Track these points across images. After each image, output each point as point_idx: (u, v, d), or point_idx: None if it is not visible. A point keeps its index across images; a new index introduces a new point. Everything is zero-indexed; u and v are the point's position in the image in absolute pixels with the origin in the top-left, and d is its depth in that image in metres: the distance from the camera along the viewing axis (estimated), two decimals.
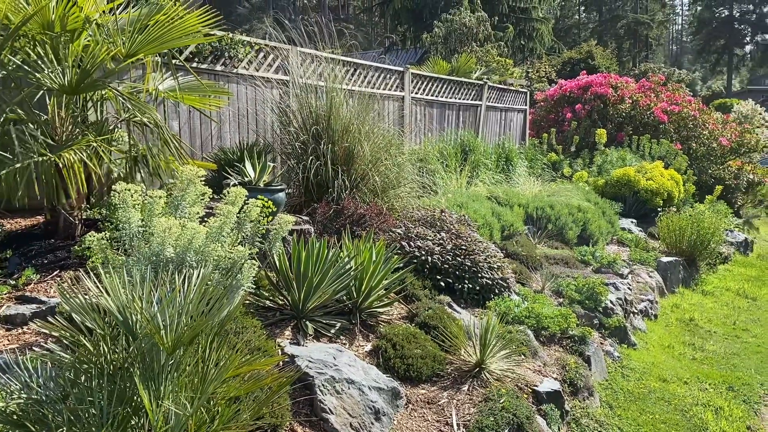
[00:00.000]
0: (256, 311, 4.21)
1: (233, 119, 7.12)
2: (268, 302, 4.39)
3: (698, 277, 9.81)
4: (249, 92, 7.26)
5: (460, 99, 11.98)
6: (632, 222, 11.11)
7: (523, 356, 4.80)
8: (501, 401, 3.88)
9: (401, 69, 10.08)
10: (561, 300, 6.43)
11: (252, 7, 43.45)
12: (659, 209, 11.86)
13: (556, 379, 4.70)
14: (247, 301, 4.29)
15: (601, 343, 6.03)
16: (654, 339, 6.95)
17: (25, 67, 4.17)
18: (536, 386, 4.39)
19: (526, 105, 15.22)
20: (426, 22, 27.50)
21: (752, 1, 56.48)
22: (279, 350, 3.76)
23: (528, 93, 15.62)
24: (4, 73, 4.15)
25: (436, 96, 11.23)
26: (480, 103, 12.68)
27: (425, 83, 10.88)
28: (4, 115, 4.00)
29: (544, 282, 6.68)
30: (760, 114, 27.35)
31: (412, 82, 10.38)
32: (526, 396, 4.21)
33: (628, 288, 7.39)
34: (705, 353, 6.79)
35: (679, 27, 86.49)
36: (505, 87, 14.33)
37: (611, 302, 6.59)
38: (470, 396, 4.02)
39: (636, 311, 7.24)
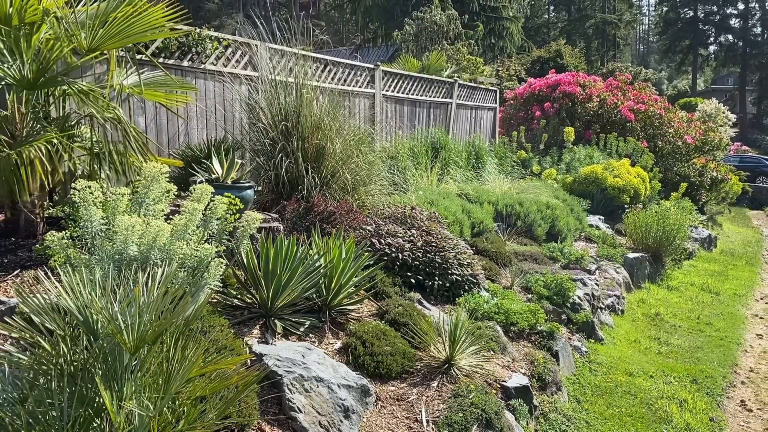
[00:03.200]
0: (224, 310, 4.16)
1: (201, 116, 7.03)
2: (236, 301, 4.33)
3: (664, 273, 10.00)
4: (217, 88, 7.17)
5: (430, 97, 12.01)
6: (600, 219, 11.28)
7: (492, 352, 4.82)
8: (470, 397, 3.89)
9: (372, 66, 10.06)
10: (530, 296, 6.49)
11: (221, 2, 42.95)
12: (626, 206, 12.06)
13: (524, 374, 4.73)
14: (215, 300, 4.23)
15: (569, 339, 6.10)
16: (621, 334, 7.05)
17: None
18: (505, 382, 4.41)
19: (496, 103, 15.33)
20: (397, 19, 27.52)
21: (716, 2, 57.73)
22: (247, 349, 3.72)
23: (498, 91, 15.74)
24: None
25: (407, 93, 11.23)
26: (450, 101, 12.73)
27: (396, 81, 10.88)
28: None
29: (513, 278, 6.73)
30: (724, 113, 28.02)
31: (383, 79, 10.36)
32: (495, 391, 4.23)
33: (596, 284, 7.49)
34: (670, 347, 6.92)
35: (646, 27, 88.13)
36: (476, 85, 14.41)
37: (579, 298, 6.67)
38: (440, 392, 4.02)
39: (603, 306, 7.34)
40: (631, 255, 9.27)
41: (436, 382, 4.12)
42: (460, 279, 5.70)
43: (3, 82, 4.00)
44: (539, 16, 62.64)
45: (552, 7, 64.53)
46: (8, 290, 3.73)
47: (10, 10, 3.95)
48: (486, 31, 29.87)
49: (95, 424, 2.38)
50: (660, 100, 16.94)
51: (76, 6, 4.41)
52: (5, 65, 3.97)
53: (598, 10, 56.80)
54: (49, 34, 4.31)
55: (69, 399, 2.30)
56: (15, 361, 2.47)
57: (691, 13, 58.51)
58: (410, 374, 4.20)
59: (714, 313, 8.44)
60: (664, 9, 63.27)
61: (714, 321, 8.04)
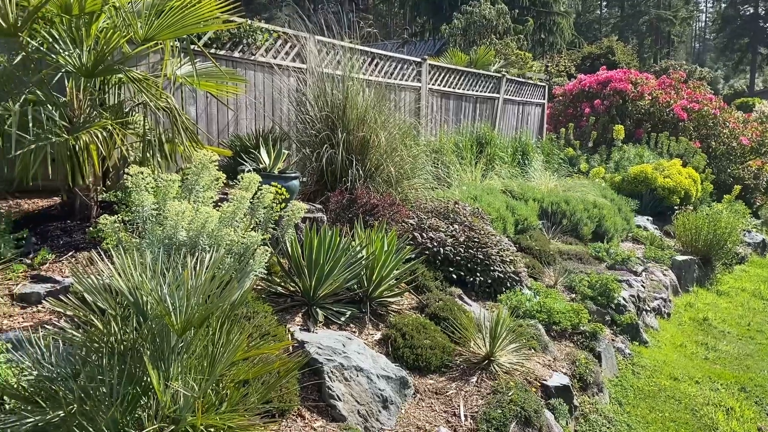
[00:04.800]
0: (268, 297, 4.23)
1: (250, 106, 7.14)
2: (279, 288, 4.40)
3: (713, 277, 9.70)
4: (266, 80, 7.26)
5: (477, 91, 11.91)
6: (648, 219, 11.01)
7: (533, 350, 4.78)
8: (509, 394, 3.87)
9: (419, 60, 10.03)
10: (573, 296, 6.40)
11: None
12: (676, 207, 11.74)
13: (565, 374, 4.67)
14: (259, 287, 4.31)
15: (613, 340, 5.99)
16: (666, 337, 6.89)
17: (43, 48, 4.21)
18: (545, 380, 4.37)
19: (544, 99, 15.10)
20: (445, 13, 27.33)
21: None
22: (289, 336, 3.78)
23: (546, 87, 15.50)
24: (24, 54, 4.19)
25: (454, 88, 11.16)
26: (497, 95, 12.60)
27: (443, 74, 10.82)
28: (23, 96, 4.04)
29: (557, 277, 6.64)
30: None
31: (430, 73, 10.32)
32: (534, 390, 4.20)
33: (642, 285, 7.33)
34: (718, 353, 6.72)
35: (703, 24, 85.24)
36: (524, 80, 14.22)
37: (624, 299, 6.54)
38: (478, 388, 4.01)
39: (649, 309, 7.18)
40: (680, 257, 9.03)
41: (475, 378, 4.10)
42: (502, 276, 5.66)
43: (63, 70, 4.14)
44: (591, 11, 61.31)
45: (604, 3, 63.05)
46: (63, 270, 3.88)
47: None
48: (536, 26, 29.39)
49: (142, 402, 2.45)
50: (715, 99, 16.40)
51: None
52: (66, 53, 4.10)
53: (653, 6, 55.18)
54: (107, 24, 4.44)
55: (118, 377, 2.38)
56: (69, 337, 2.57)
57: (752, 10, 56.31)
58: (449, 368, 4.19)
59: (766, 320, 8.15)
60: (723, 5, 61.16)
61: (765, 329, 7.77)
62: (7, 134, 3.76)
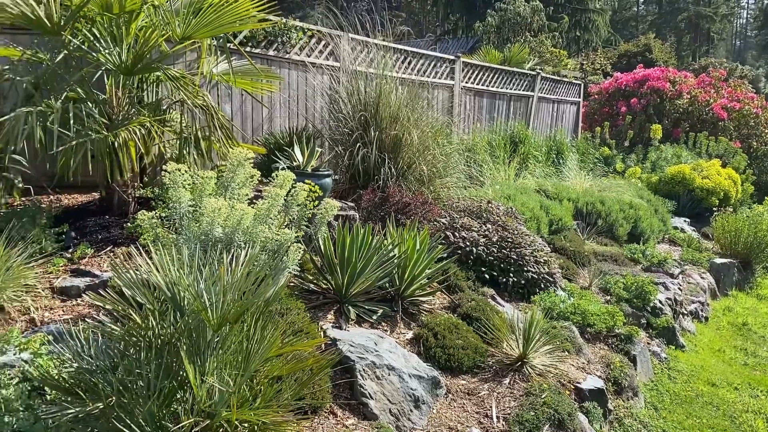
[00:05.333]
0: (300, 294, 4.25)
1: (284, 104, 7.18)
2: (312, 285, 4.42)
3: (753, 281, 9.45)
4: (300, 78, 7.30)
5: (511, 89, 11.80)
6: (685, 221, 10.78)
7: (566, 352, 4.72)
8: (542, 396, 3.82)
9: (452, 57, 9.97)
10: (608, 297, 6.29)
11: None
12: (714, 209, 11.48)
13: (599, 377, 4.60)
14: (292, 284, 4.33)
15: (648, 343, 5.88)
16: (704, 342, 6.73)
17: (84, 47, 4.29)
18: (579, 383, 4.31)
19: (579, 97, 14.89)
20: (479, 11, 27.15)
21: None
22: (321, 333, 3.79)
23: (582, 85, 15.28)
24: (66, 53, 4.28)
25: (487, 86, 11.08)
26: (532, 94, 12.46)
27: (476, 72, 10.75)
28: (64, 94, 4.13)
29: (592, 278, 6.54)
30: None
31: (463, 70, 10.26)
32: (568, 392, 4.14)
33: (679, 288, 7.17)
34: (758, 359, 6.54)
35: (744, 21, 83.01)
36: (559, 78, 14.03)
37: (660, 302, 6.41)
38: (511, 389, 3.97)
39: (686, 312, 7.03)
40: (718, 260, 8.81)
41: (508, 379, 4.06)
42: (536, 276, 5.59)
43: (103, 68, 4.22)
44: (627, 8, 60.17)
45: (642, 0, 61.85)
46: (102, 264, 3.95)
47: None
48: (571, 23, 28.99)
49: (178, 396, 2.49)
50: (757, 98, 15.96)
51: None
52: (106, 51, 4.18)
53: (692, 3, 53.88)
54: (146, 22, 4.51)
55: (156, 370, 2.41)
56: (108, 331, 2.61)
57: None
58: (481, 369, 4.16)
59: None
60: (765, 1, 59.43)
61: None
62: (49, 131, 3.85)
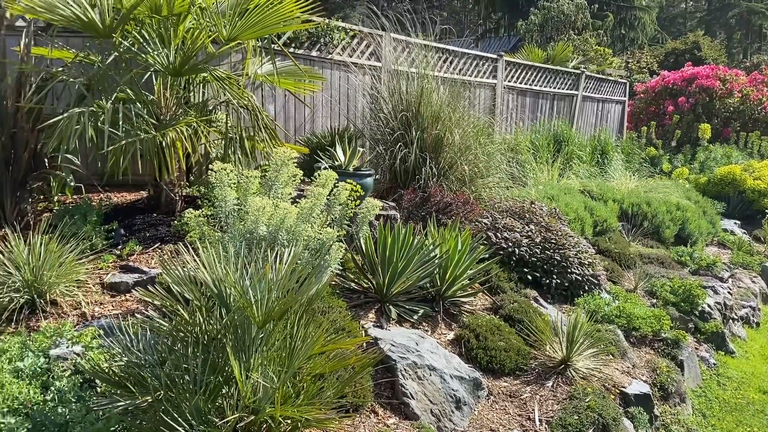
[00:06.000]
0: (342, 292, 4.27)
1: (325, 105, 7.23)
2: (353, 284, 4.44)
3: None
4: (342, 78, 7.35)
5: (554, 88, 11.63)
6: (735, 223, 10.44)
7: (611, 356, 4.63)
8: (586, 400, 3.75)
9: (495, 56, 9.89)
10: (654, 301, 6.15)
11: None
12: (767, 211, 11.08)
13: (645, 381, 4.50)
14: (334, 282, 4.36)
15: (696, 349, 5.72)
16: (755, 348, 6.51)
17: (134, 49, 4.40)
18: (624, 388, 4.22)
19: (624, 96, 14.58)
20: (521, 9, 26.81)
21: None
22: (363, 332, 3.80)
23: (627, 84, 14.95)
24: (116, 54, 4.40)
25: (530, 84, 10.94)
26: (576, 92, 12.26)
27: (519, 71, 10.63)
28: (114, 94, 4.24)
29: (637, 281, 6.40)
30: None
31: (506, 69, 10.16)
32: (613, 397, 4.06)
33: (728, 292, 6.96)
34: None
35: None
36: (603, 77, 13.77)
37: (709, 306, 6.24)
38: (554, 392, 3.91)
39: (736, 317, 6.81)
40: None
41: (551, 382, 4.00)
42: (580, 278, 5.50)
43: (152, 69, 4.32)
44: (675, 5, 58.58)
45: None
46: (150, 261, 4.05)
47: (161, 1, 4.24)
48: (616, 21, 28.37)
49: (223, 392, 2.53)
50: None
51: None
52: (155, 53, 4.28)
53: None
54: (193, 24, 4.60)
55: (202, 366, 2.46)
56: (156, 326, 2.67)
57: None
58: (523, 372, 4.11)
59: None
60: None
61: None
62: (100, 130, 3.96)
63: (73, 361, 2.88)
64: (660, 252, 7.74)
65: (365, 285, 4.44)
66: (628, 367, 4.63)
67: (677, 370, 4.93)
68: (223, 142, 4.87)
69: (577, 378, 4.10)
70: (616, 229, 7.80)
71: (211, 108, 5.08)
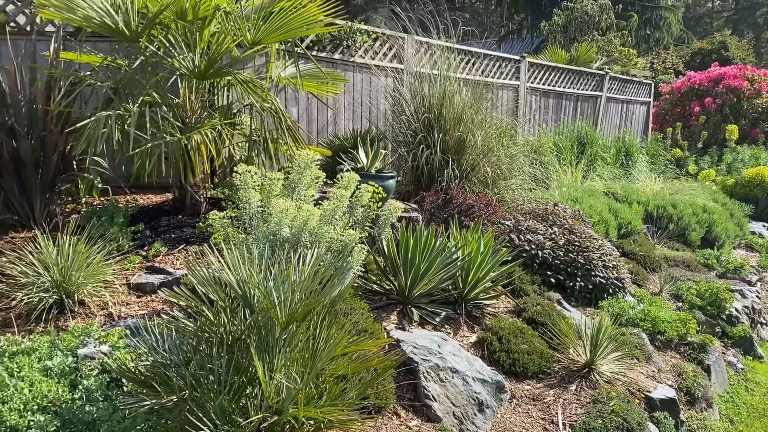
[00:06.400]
0: (364, 294, 4.29)
1: (348, 107, 7.26)
2: (375, 286, 4.45)
3: None
4: (364, 80, 7.37)
5: (578, 89, 11.53)
6: (764, 226, 10.26)
7: (636, 360, 4.57)
8: (611, 404, 3.71)
9: (517, 58, 9.84)
10: (680, 304, 6.06)
11: None
12: None
13: (671, 386, 4.44)
14: (356, 284, 4.37)
15: (723, 353, 5.63)
16: None
17: (160, 53, 4.47)
18: (649, 392, 4.17)
19: (649, 97, 14.40)
20: (545, 10, 26.64)
21: None
22: (385, 334, 3.81)
23: (652, 85, 14.77)
24: (143, 58, 4.47)
25: (553, 86, 10.87)
26: (600, 94, 12.14)
27: (542, 72, 10.56)
28: (140, 98, 4.31)
29: (663, 284, 6.31)
30: None
31: (528, 71, 10.11)
32: (638, 401, 4.01)
33: (757, 296, 6.84)
34: None
35: None
36: (628, 78, 13.62)
37: (736, 310, 6.13)
38: (578, 396, 3.88)
39: (764, 322, 6.69)
40: None
41: (575, 386, 3.97)
42: (604, 281, 5.44)
43: (178, 73, 4.38)
44: (702, 5, 57.67)
45: None
46: (175, 262, 4.10)
47: (187, 5, 4.30)
48: (641, 21, 28.04)
49: (247, 392, 2.55)
50: None
51: (243, 0, 4.72)
52: (180, 57, 4.34)
53: None
54: (218, 28, 4.66)
55: (226, 366, 2.49)
56: (182, 327, 2.71)
57: None
58: (547, 375, 4.08)
59: None
60: None
61: None
62: (127, 133, 4.02)
63: (101, 360, 2.93)
64: (686, 255, 7.63)
65: (387, 287, 4.44)
66: (654, 372, 4.57)
67: (704, 374, 4.86)
68: (247, 144, 4.92)
69: (601, 382, 4.06)
70: (641, 231, 7.70)
71: (235, 111, 5.13)
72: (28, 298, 3.36)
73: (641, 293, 5.83)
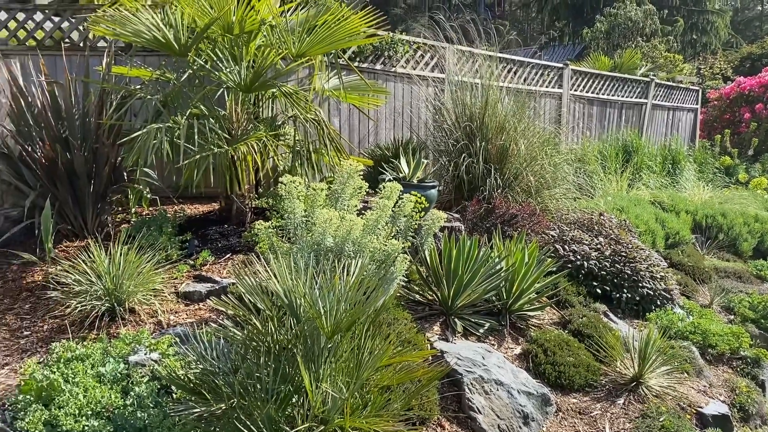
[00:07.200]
0: (406, 304, 4.28)
1: (389, 116, 7.30)
2: (417, 296, 4.44)
3: None
4: (405, 90, 7.39)
5: (622, 97, 11.34)
6: None
7: (685, 374, 4.45)
8: (660, 419, 3.62)
9: (560, 65, 9.74)
10: (731, 317, 5.88)
11: (408, 7, 44.19)
12: None
13: (723, 402, 4.30)
14: (398, 294, 4.37)
15: None
16: None
17: (207, 66, 4.57)
18: (701, 408, 4.05)
19: (697, 104, 14.05)
20: (586, 16, 26.33)
21: None
22: (428, 345, 3.80)
23: (699, 91, 14.41)
24: (190, 72, 4.58)
25: (597, 93, 10.71)
26: (645, 101, 11.91)
27: (585, 80, 10.42)
28: (188, 110, 4.41)
29: (713, 296, 6.13)
30: None
31: (572, 78, 9.98)
32: (688, 417, 3.90)
33: None
34: None
35: None
36: (674, 84, 13.32)
37: None
38: (625, 410, 3.79)
39: None
40: None
41: (622, 400, 3.88)
42: (652, 293, 5.31)
43: (224, 86, 4.47)
44: (750, 8, 56.11)
45: None
46: (221, 271, 4.17)
47: (234, 19, 4.40)
48: (687, 26, 27.44)
49: (293, 401, 2.57)
50: None
51: (288, 14, 4.80)
52: (227, 70, 4.43)
53: None
54: (263, 42, 4.74)
55: (273, 375, 2.51)
56: (230, 335, 2.75)
57: None
58: (593, 388, 4.00)
59: None
60: None
61: None
62: (176, 145, 4.12)
63: (151, 367, 3.00)
64: (737, 266, 7.40)
65: (430, 297, 4.43)
66: (705, 386, 4.44)
67: (758, 390, 4.69)
68: (290, 155, 4.98)
69: (650, 396, 3.96)
70: (689, 241, 7.51)
71: (279, 123, 5.21)
72: (82, 306, 3.46)
73: (690, 305, 5.68)
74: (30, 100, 4.57)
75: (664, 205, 8.28)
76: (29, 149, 4.32)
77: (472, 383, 3.46)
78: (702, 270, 6.76)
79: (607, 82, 10.99)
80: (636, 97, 11.72)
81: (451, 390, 3.48)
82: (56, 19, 5.75)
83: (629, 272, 5.32)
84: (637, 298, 5.27)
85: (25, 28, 5.69)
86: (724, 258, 7.75)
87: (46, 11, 5.76)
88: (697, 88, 14.40)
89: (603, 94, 10.86)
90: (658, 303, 5.35)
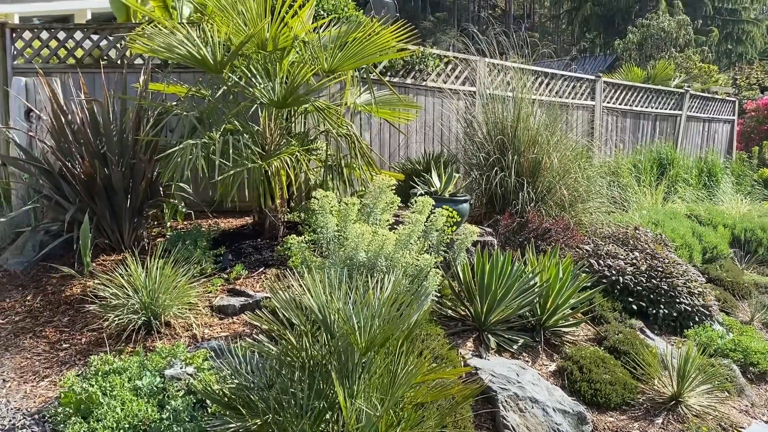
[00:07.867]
0: (438, 320, 4.25)
1: (419, 130, 7.30)
2: (450, 312, 4.41)
3: None
4: (435, 104, 7.40)
5: (656, 108, 11.17)
6: None
7: (726, 393, 4.33)
8: None
9: (592, 77, 9.65)
10: None
11: (437, 20, 44.35)
12: None
13: (766, 423, 4.16)
14: (431, 309, 4.35)
15: None
16: None
17: (241, 83, 4.64)
18: (743, 428, 3.93)
19: (733, 115, 13.77)
20: (618, 27, 26.11)
21: None
22: (462, 361, 3.76)
23: (736, 102, 14.13)
24: (225, 88, 4.65)
25: (630, 105, 10.57)
26: (679, 113, 11.72)
27: (618, 92, 10.30)
28: (223, 126, 4.48)
29: (754, 312, 5.96)
30: None
31: (604, 90, 9.88)
32: None
33: None
34: None
35: None
36: (709, 95, 13.08)
37: None
38: (664, 430, 3.70)
39: None
40: None
41: (661, 419, 3.79)
42: (690, 309, 5.19)
43: (258, 102, 4.53)
44: None
45: None
46: (255, 285, 4.20)
47: (267, 36, 4.46)
48: (721, 36, 27.03)
49: (327, 417, 2.57)
50: None
51: (320, 30, 4.85)
52: (261, 86, 4.49)
53: None
54: (296, 58, 4.80)
55: (308, 390, 2.51)
56: (265, 350, 2.76)
57: None
58: (630, 407, 3.92)
59: None
60: None
61: None
62: (211, 160, 4.18)
63: (186, 381, 3.03)
64: None
65: (462, 312, 4.40)
66: (747, 406, 4.31)
67: None
68: (323, 169, 5.02)
69: (690, 415, 3.86)
70: (728, 256, 7.33)
71: (312, 138, 5.25)
72: (119, 319, 3.52)
73: (730, 322, 5.53)
74: (70, 117, 4.69)
75: (701, 218, 8.11)
76: (69, 165, 4.42)
77: (506, 400, 3.41)
78: (741, 285, 6.59)
79: (640, 94, 10.85)
80: (670, 109, 11.54)
81: (485, 407, 3.44)
82: (95, 37, 5.91)
83: (666, 287, 5.21)
84: (675, 314, 5.15)
85: (65, 46, 5.85)
86: (765, 273, 7.54)
87: (86, 30, 5.92)
88: (733, 99, 14.13)
89: (636, 106, 10.72)
90: (696, 319, 5.22)
